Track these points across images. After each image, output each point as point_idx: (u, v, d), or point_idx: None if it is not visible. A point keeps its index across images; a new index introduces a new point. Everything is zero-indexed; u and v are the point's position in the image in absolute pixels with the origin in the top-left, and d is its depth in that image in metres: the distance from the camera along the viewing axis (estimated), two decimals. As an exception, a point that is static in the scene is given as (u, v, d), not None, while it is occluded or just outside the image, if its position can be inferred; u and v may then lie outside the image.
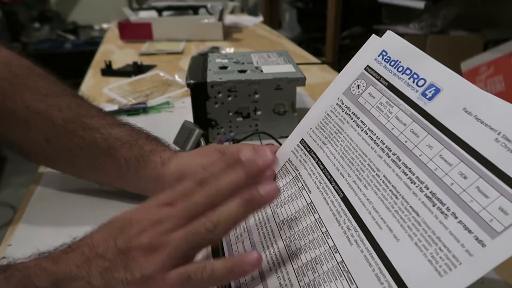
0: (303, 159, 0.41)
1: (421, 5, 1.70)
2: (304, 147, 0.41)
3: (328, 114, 0.40)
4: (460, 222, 0.26)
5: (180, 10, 1.42)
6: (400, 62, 0.36)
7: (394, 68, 0.36)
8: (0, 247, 0.41)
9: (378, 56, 0.38)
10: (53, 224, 0.44)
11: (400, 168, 0.32)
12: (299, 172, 0.40)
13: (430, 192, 0.29)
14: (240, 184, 0.33)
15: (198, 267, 0.29)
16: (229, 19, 1.61)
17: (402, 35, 0.37)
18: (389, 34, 0.38)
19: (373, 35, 0.40)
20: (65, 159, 0.45)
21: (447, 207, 0.27)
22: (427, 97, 0.32)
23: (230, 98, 0.59)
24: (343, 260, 0.31)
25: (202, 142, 0.54)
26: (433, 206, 0.28)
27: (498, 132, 0.27)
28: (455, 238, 0.26)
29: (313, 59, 1.14)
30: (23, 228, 0.44)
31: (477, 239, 0.25)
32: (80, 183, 0.49)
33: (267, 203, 0.33)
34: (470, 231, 0.25)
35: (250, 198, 0.31)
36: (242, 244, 0.38)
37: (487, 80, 1.30)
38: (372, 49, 0.39)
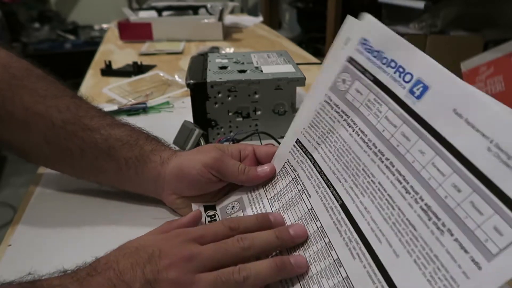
0: (300, 160, 0.40)
1: (421, 5, 1.70)
2: (300, 147, 0.41)
3: (318, 113, 0.39)
4: (456, 240, 0.25)
5: (180, 10, 1.42)
6: (383, 53, 0.34)
7: (378, 60, 0.34)
8: (0, 247, 0.41)
9: (359, 45, 0.36)
10: (53, 224, 0.44)
11: (394, 175, 0.31)
12: (298, 174, 0.40)
13: (425, 204, 0.28)
14: (272, 247, 0.34)
15: None
16: (229, 19, 1.61)
17: (402, 35, 0.35)
18: (367, 18, 0.36)
19: (349, 16, 0.37)
20: (65, 160, 0.45)
21: (443, 223, 0.27)
22: (415, 95, 0.31)
23: (230, 98, 0.59)
24: (348, 276, 0.31)
25: (202, 142, 0.54)
26: (429, 220, 0.27)
27: (491, 140, 0.25)
28: (452, 257, 0.25)
29: (313, 59, 1.14)
30: (23, 228, 0.44)
31: (473, 260, 0.24)
32: (80, 183, 0.49)
33: (296, 274, 0.33)
34: (466, 251, 0.25)
35: (283, 264, 0.33)
36: None
37: (487, 80, 1.30)
38: (351, 35, 0.36)
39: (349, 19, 0.37)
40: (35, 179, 0.53)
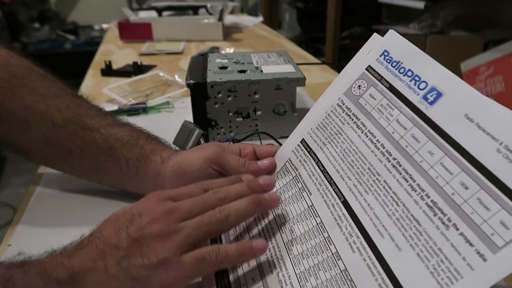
0: (303, 159, 0.41)
1: (421, 5, 1.70)
2: (304, 147, 0.41)
3: (328, 115, 0.40)
4: (461, 234, 0.26)
5: (180, 10, 1.41)
6: (401, 63, 0.36)
7: (396, 69, 0.36)
8: (0, 247, 0.41)
9: (380, 56, 0.38)
10: (53, 224, 0.44)
11: (400, 174, 0.31)
12: (299, 172, 0.40)
13: (431, 201, 0.29)
14: (244, 195, 0.36)
15: (212, 249, 0.32)
16: (229, 19, 1.61)
17: (402, 35, 0.37)
18: (391, 33, 0.38)
19: (375, 34, 0.40)
20: (65, 159, 0.45)
21: (448, 218, 0.27)
22: (429, 101, 0.32)
23: (230, 98, 0.59)
24: (346, 268, 0.31)
25: (202, 142, 0.54)
26: (434, 215, 0.28)
27: (500, 142, 0.26)
28: (456, 250, 0.26)
29: (313, 59, 1.14)
30: (23, 228, 0.44)
31: (478, 252, 0.25)
32: (80, 183, 0.49)
33: (271, 207, 0.38)
34: (471, 244, 0.25)
35: (258, 199, 0.35)
36: None
37: (487, 80, 1.30)
38: (373, 48, 0.39)
39: (374, 35, 0.40)
40: (35, 178, 0.53)
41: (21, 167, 2.01)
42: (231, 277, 0.35)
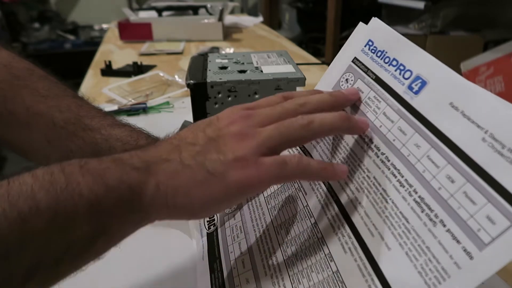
0: None
1: (421, 5, 1.70)
2: (299, 146, 0.41)
3: None
4: (448, 230, 0.25)
5: (180, 10, 1.42)
6: (386, 52, 0.35)
7: (381, 59, 0.35)
8: (0, 248, 0.41)
9: (365, 46, 0.37)
10: (54, 225, 0.44)
11: (389, 169, 0.31)
12: (296, 172, 0.40)
13: (419, 196, 0.28)
14: (327, 104, 0.33)
15: (295, 156, 0.30)
16: (229, 19, 1.61)
17: (402, 35, 0.37)
18: (374, 21, 0.37)
19: (360, 23, 0.38)
20: (65, 159, 0.45)
21: (435, 214, 0.26)
22: (414, 90, 0.31)
23: (230, 99, 0.59)
24: (338, 269, 0.31)
25: (202, 143, 0.55)
26: (422, 212, 0.27)
27: (485, 131, 0.25)
28: (443, 248, 0.25)
29: (313, 59, 1.14)
30: (23, 228, 0.44)
31: (465, 250, 0.24)
32: (80, 183, 0.49)
33: (359, 130, 0.33)
34: (458, 241, 0.24)
35: (347, 116, 0.32)
36: (238, 245, 0.38)
37: (487, 80, 1.30)
38: (359, 39, 0.38)
39: (360, 24, 0.38)
40: (36, 179, 0.53)
41: (21, 167, 2.01)
42: (225, 277, 0.35)
